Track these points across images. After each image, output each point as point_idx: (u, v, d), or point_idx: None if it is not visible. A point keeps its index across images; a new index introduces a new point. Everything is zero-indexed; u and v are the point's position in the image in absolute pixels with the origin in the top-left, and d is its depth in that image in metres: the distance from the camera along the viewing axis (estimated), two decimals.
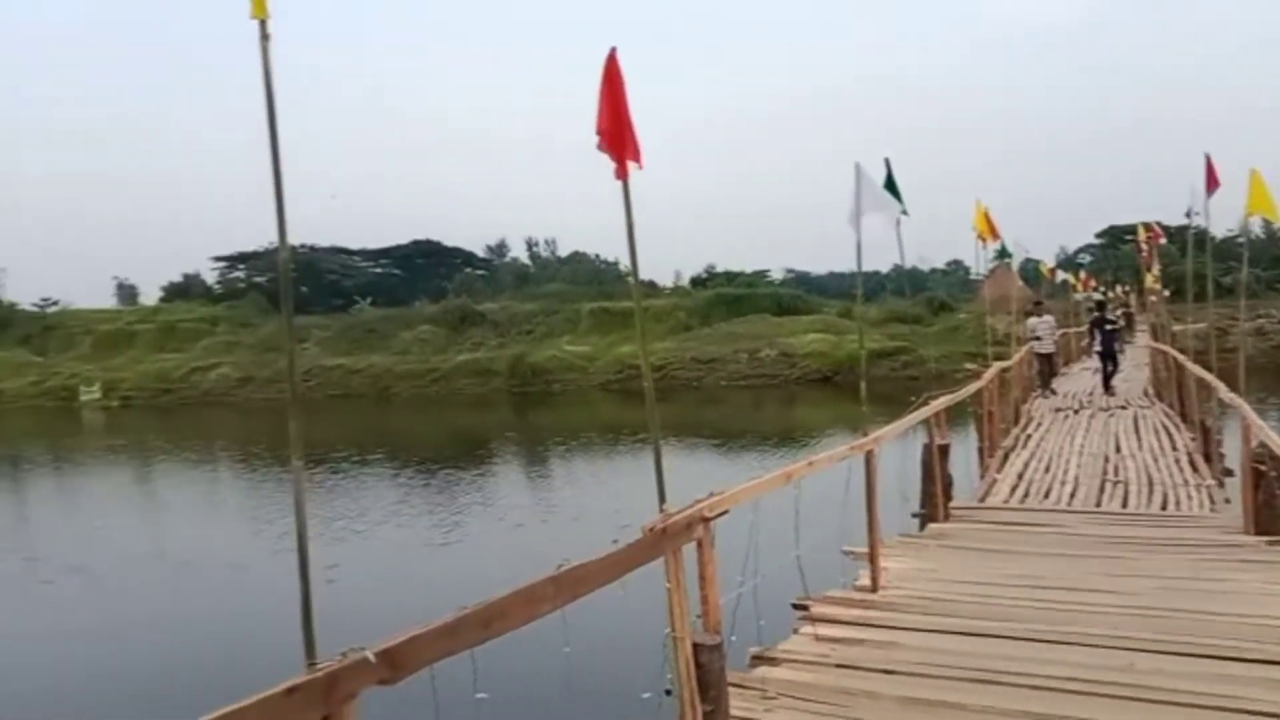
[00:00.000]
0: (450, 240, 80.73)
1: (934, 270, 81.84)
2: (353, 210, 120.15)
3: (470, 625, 2.76)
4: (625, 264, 72.17)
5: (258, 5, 2.90)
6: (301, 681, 2.25)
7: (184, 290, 71.25)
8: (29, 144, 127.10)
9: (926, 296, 54.35)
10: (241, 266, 73.59)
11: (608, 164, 4.48)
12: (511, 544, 13.80)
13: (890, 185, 8.66)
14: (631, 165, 4.46)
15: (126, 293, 74.67)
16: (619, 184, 4.49)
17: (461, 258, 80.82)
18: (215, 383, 50.98)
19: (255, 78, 2.94)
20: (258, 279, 68.85)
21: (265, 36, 2.87)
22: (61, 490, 23.32)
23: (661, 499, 4.21)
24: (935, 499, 9.17)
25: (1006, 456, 12.62)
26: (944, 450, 9.47)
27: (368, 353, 51.42)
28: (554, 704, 7.76)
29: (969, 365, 21.48)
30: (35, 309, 65.58)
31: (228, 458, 27.60)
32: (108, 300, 71.80)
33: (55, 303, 66.73)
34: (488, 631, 2.83)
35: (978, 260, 43.65)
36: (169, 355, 55.05)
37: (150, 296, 72.75)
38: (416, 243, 78.81)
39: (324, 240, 71.01)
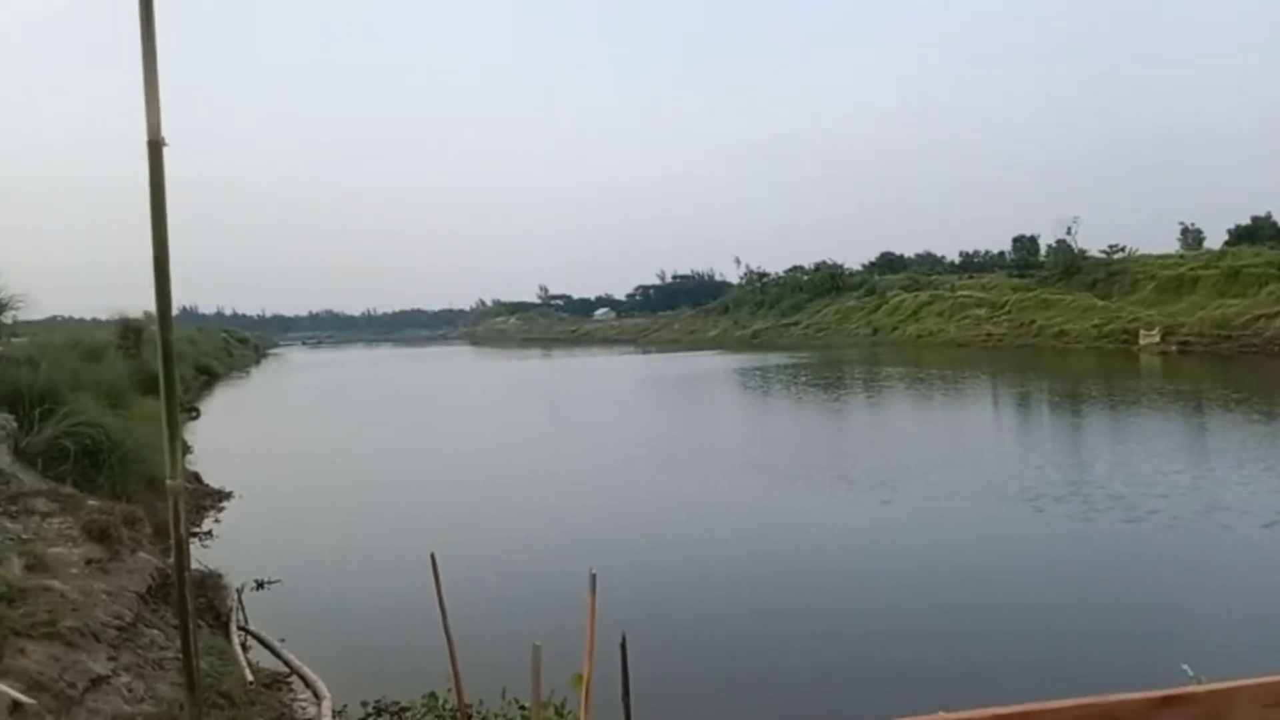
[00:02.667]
0: None
1: None
2: None
3: None
4: None
5: None
6: None
7: (1251, 233, 67.22)
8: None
9: None
10: None
11: None
12: None
13: None
14: None
15: (1191, 237, 73.83)
16: None
17: None
18: (1279, 332, 47.49)
19: None
20: None
21: None
22: (1119, 430, 24.71)
23: None
24: None
25: None
26: None
27: None
28: None
29: None
30: (1102, 255, 69.71)
31: None
32: (1171, 245, 72.29)
33: (1122, 249, 69.79)
34: None
35: None
36: (1231, 301, 53.10)
37: (1215, 240, 70.83)
38: None
39: None
